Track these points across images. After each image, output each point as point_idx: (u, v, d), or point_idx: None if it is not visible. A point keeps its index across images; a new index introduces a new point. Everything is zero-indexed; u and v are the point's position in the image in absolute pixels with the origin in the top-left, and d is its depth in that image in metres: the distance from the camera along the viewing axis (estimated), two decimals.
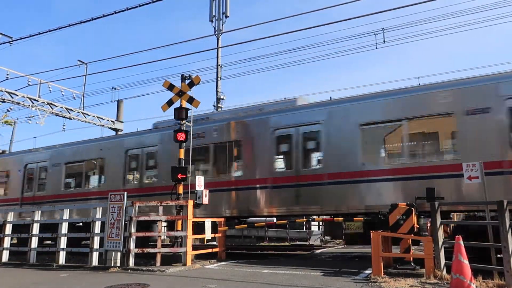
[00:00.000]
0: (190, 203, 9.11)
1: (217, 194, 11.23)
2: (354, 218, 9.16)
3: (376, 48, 17.42)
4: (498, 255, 6.36)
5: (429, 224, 11.93)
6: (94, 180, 15.19)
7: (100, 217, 9.47)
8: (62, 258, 9.78)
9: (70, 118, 21.48)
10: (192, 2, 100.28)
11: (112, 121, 23.37)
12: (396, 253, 7.86)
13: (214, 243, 12.94)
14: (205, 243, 12.95)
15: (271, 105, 12.02)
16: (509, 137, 8.25)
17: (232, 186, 11.52)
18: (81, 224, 12.60)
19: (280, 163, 11.52)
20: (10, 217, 11.30)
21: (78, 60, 21.26)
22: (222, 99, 19.37)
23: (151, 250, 8.83)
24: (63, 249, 9.81)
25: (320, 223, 20.45)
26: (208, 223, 9.76)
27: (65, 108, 21.11)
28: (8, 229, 11.08)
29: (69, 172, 15.44)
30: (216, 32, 19.44)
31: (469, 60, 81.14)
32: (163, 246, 9.30)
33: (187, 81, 10.27)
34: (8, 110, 19.40)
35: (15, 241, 13.26)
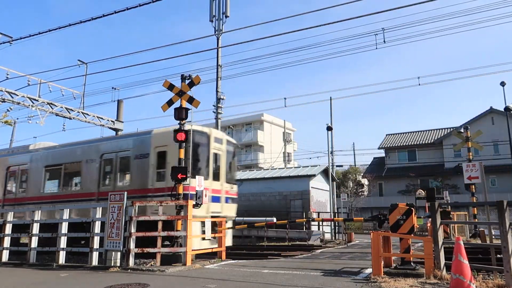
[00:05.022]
0: (190, 203, 9.11)
1: None
2: (354, 219, 9.18)
3: (376, 48, 17.50)
4: (498, 255, 6.37)
5: (429, 224, 11.93)
6: None
7: (99, 216, 9.47)
8: (62, 258, 9.78)
9: (70, 118, 21.45)
10: (192, 3, 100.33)
11: (112, 121, 23.36)
12: (396, 253, 7.86)
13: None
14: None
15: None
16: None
17: None
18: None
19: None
20: (10, 217, 11.31)
21: (78, 60, 21.25)
22: (222, 99, 19.37)
23: (151, 250, 8.83)
24: (63, 249, 9.81)
25: (321, 223, 20.48)
26: (208, 223, 9.76)
27: (65, 108, 21.09)
28: (8, 229, 11.09)
29: None
30: (216, 32, 19.41)
31: (469, 60, 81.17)
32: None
33: (187, 81, 10.28)
34: (8, 110, 19.39)
35: None
